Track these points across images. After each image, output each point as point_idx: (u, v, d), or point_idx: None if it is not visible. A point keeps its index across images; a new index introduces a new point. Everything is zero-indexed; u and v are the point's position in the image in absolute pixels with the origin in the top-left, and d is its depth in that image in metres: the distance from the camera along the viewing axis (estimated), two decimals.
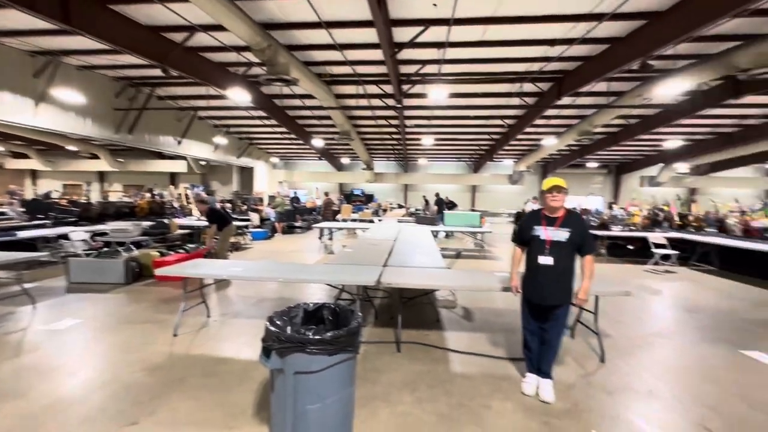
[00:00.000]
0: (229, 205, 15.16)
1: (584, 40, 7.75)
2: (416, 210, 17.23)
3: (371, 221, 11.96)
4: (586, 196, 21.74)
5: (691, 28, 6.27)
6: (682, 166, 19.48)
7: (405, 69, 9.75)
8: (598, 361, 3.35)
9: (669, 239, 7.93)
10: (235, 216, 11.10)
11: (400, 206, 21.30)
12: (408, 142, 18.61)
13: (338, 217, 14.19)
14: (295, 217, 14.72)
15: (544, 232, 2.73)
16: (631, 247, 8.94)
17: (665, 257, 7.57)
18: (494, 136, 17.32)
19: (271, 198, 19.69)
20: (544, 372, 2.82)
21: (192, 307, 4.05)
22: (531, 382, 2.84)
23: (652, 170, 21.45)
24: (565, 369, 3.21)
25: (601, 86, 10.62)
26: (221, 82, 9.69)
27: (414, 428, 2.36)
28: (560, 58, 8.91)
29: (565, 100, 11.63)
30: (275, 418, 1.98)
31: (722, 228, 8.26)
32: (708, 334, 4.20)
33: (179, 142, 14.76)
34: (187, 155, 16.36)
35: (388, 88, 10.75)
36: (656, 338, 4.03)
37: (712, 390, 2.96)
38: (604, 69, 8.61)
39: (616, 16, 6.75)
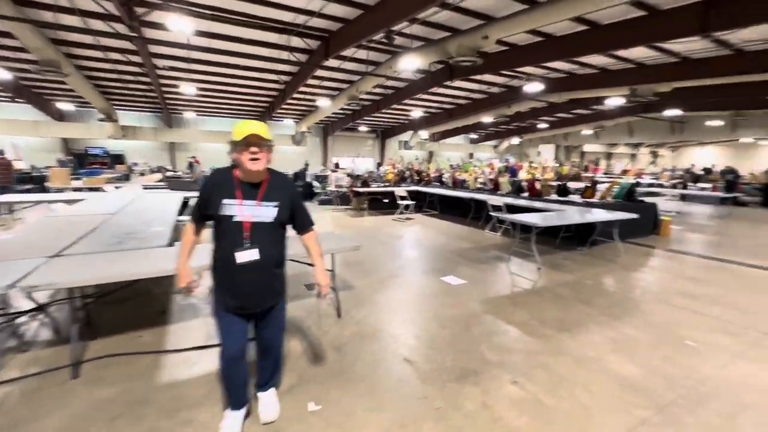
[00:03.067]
0: None
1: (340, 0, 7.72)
2: (180, 173, 14.47)
3: (100, 190, 8.99)
4: (354, 157, 23.96)
5: (412, 11, 7.12)
6: (424, 133, 24.27)
7: None
8: (336, 318, 3.39)
9: (409, 192, 9.49)
10: None
11: (160, 169, 17.41)
12: (164, 89, 15.03)
13: (47, 185, 10.07)
14: None
15: (240, 210, 1.78)
16: (386, 201, 10.29)
17: (406, 207, 9.06)
18: (272, 92, 16.27)
19: None
20: (268, 385, 2.17)
21: None
22: (233, 423, 1.97)
23: (406, 136, 25.78)
24: (302, 336, 3.05)
25: (362, 54, 11.27)
26: None
27: None
28: (322, 15, 8.68)
29: (334, 63, 11.82)
30: None
31: (441, 181, 10.68)
32: (425, 267, 5.11)
33: None
34: None
35: (111, 6, 7.85)
36: (391, 279, 4.54)
37: (418, 317, 3.46)
38: (360, 34, 9.00)
39: None
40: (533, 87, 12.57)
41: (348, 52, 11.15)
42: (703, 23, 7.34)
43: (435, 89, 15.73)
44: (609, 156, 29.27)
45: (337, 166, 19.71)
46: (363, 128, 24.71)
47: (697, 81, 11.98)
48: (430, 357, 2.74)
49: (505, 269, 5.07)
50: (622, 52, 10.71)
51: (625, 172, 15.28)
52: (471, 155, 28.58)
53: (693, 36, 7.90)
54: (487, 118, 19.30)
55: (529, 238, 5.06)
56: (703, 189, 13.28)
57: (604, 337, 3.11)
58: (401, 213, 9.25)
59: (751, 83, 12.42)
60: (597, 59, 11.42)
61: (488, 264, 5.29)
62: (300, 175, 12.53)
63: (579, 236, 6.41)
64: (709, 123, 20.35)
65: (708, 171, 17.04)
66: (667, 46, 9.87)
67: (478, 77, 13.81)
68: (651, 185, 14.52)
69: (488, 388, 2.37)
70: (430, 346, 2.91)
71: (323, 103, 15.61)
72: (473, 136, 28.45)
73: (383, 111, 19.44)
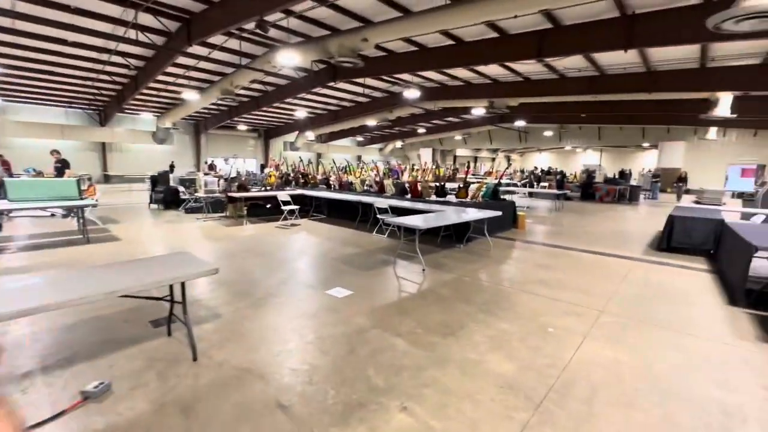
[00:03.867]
0: None
1: None
2: None
3: None
4: (230, 158, 21.76)
5: (282, 2, 6.59)
6: (311, 135, 23.55)
7: None
8: (191, 362, 2.66)
9: (294, 196, 8.82)
10: None
11: None
12: None
13: None
14: None
15: None
16: (268, 206, 9.38)
17: (291, 212, 8.38)
18: (119, 79, 13.40)
19: None
20: None
21: None
22: None
23: (291, 136, 24.60)
24: (134, 399, 2.27)
25: (234, 44, 10.09)
26: None
27: None
28: None
29: (200, 50, 10.32)
30: None
31: (328, 184, 10.34)
32: (309, 279, 4.65)
33: None
34: None
35: None
36: (268, 300, 3.93)
37: (296, 345, 2.99)
38: (227, 20, 7.95)
39: None
40: (411, 94, 13.23)
41: (217, 40, 9.86)
42: (539, 50, 8.69)
43: (319, 89, 15.27)
44: (476, 159, 33.39)
45: (211, 167, 17.47)
46: (242, 127, 22.62)
47: (536, 98, 14.37)
48: (309, 396, 2.30)
49: (391, 273, 4.96)
50: (482, 68, 12.08)
51: (489, 173, 17.46)
52: (359, 157, 29.02)
53: (531, 59, 9.33)
54: (371, 122, 19.75)
55: (414, 240, 5.09)
56: (543, 187, 16.07)
57: (483, 336, 3.17)
58: (285, 219, 8.53)
59: (570, 102, 15.59)
60: (463, 73, 12.67)
61: (375, 269, 5.13)
62: (159, 178, 10.51)
63: (457, 234, 6.83)
64: (545, 133, 24.98)
65: (548, 172, 20.80)
66: (514, 66, 11.51)
67: (360, 81, 13.91)
68: (508, 185, 16.89)
69: (376, 424, 2.07)
70: (310, 380, 2.47)
71: (191, 96, 13.57)
72: (360, 138, 28.93)
73: (264, 109, 18.08)
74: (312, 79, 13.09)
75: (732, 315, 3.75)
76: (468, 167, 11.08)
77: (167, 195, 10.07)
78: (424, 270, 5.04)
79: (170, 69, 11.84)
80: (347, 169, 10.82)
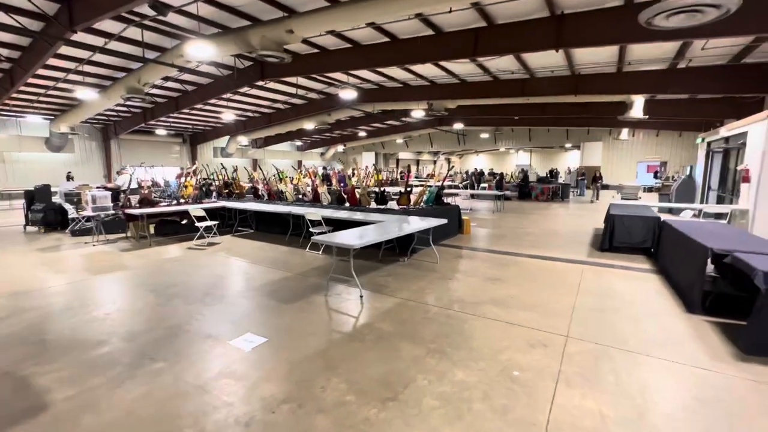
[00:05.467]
0: None
1: None
2: None
3: None
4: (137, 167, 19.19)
5: None
6: (244, 139, 21.57)
7: None
8: None
9: (212, 209, 7.45)
10: None
11: None
12: None
13: None
14: None
15: None
16: (184, 222, 7.87)
17: (208, 229, 7.02)
18: None
19: None
20: None
21: None
22: None
23: (222, 141, 22.38)
24: None
25: (134, 32, 8.40)
26: None
27: None
28: None
29: (93, 40, 8.49)
30: None
31: (257, 193, 9.04)
32: (213, 323, 3.51)
33: None
34: None
35: None
36: (141, 367, 2.75)
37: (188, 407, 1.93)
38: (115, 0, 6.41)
39: None
40: (347, 95, 12.36)
41: (113, 27, 8.19)
42: (474, 49, 8.32)
43: (248, 90, 13.80)
44: (417, 163, 33.50)
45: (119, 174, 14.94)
46: (162, 131, 19.99)
47: (472, 100, 14.33)
48: None
49: (322, 304, 4.01)
50: (419, 69, 11.61)
51: (431, 176, 17.17)
52: (299, 162, 27.44)
53: (467, 58, 8.97)
54: (309, 125, 18.52)
55: (351, 259, 4.19)
56: (483, 188, 16.15)
57: (435, 398, 2.36)
58: (202, 238, 7.13)
59: (504, 105, 15.86)
60: (400, 74, 12.10)
61: (303, 300, 4.13)
62: (37, 194, 8.33)
63: (400, 245, 6.07)
64: (482, 135, 25.63)
65: (491, 173, 21.17)
66: (450, 66, 11.19)
67: (292, 80, 12.72)
68: (450, 187, 16.75)
69: None
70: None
71: (87, 94, 11.30)
72: (299, 143, 27.39)
73: (186, 111, 16.04)
74: (237, 77, 11.65)
75: (695, 326, 3.39)
76: (408, 171, 10.48)
77: (49, 214, 8.01)
78: (362, 296, 4.16)
79: (56, 62, 9.73)
80: (278, 176, 9.61)
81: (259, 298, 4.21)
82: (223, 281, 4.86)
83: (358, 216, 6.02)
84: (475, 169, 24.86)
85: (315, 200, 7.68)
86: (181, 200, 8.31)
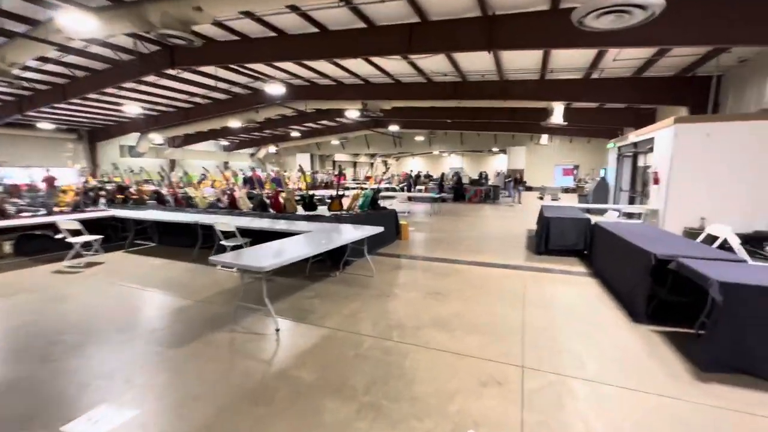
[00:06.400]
0: None
1: None
2: None
3: None
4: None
5: None
6: (158, 137, 18.85)
7: None
8: None
9: (96, 219, 5.89)
10: None
11: None
12: None
13: None
14: None
15: None
16: (58, 237, 6.12)
17: (86, 245, 5.48)
18: None
19: None
20: None
21: None
22: None
23: (130, 139, 19.35)
24: None
25: None
26: None
27: None
28: None
29: None
30: None
31: (160, 199, 7.48)
32: (45, 394, 2.33)
33: None
34: None
35: None
36: None
37: None
38: None
39: None
40: (275, 90, 11.19)
41: None
42: (408, 45, 7.86)
43: (158, 80, 11.86)
44: (355, 165, 32.82)
45: None
46: (48, 125, 16.54)
47: (407, 101, 14.05)
48: None
49: (224, 346, 3.04)
50: (352, 67, 10.89)
51: (367, 178, 16.54)
52: (226, 164, 24.99)
53: (399, 54, 8.49)
54: (235, 123, 16.73)
55: (264, 284, 3.28)
56: (420, 191, 16.01)
57: None
58: (80, 257, 5.55)
59: (438, 108, 15.90)
60: (333, 71, 11.26)
61: (199, 340, 3.12)
62: None
63: (332, 257, 5.27)
64: (417, 138, 25.81)
65: (427, 176, 21.18)
66: (384, 65, 10.68)
67: (210, 71, 11.14)
68: (387, 189, 16.33)
69: None
70: None
71: None
72: (225, 142, 24.97)
73: (78, 102, 13.39)
74: (141, 63, 9.84)
75: (646, 339, 3.13)
76: (340, 173, 9.75)
77: None
78: (278, 330, 3.29)
79: None
80: (185, 178, 8.14)
81: (136, 342, 3.10)
82: (88, 319, 3.58)
83: (280, 225, 5.07)
84: (411, 170, 24.91)
85: (233, 206, 6.50)
86: (55, 209, 6.51)
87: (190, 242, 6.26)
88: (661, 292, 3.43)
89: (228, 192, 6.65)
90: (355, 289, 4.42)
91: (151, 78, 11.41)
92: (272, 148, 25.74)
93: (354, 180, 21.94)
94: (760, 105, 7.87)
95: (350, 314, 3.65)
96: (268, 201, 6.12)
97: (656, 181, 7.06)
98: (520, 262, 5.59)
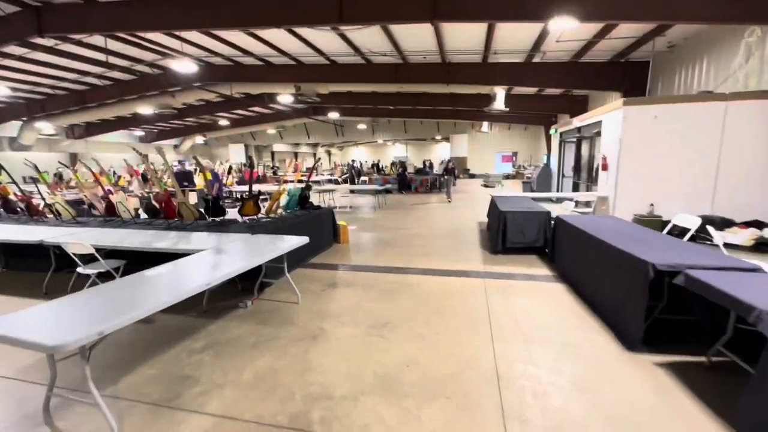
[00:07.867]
0: None
1: None
2: None
3: None
4: None
5: None
6: (48, 126, 15.29)
7: None
8: None
9: None
10: None
11: None
12: None
13: None
14: None
15: None
16: None
17: None
18: None
19: None
20: None
21: None
22: None
23: (8, 129, 15.49)
24: None
25: None
26: None
27: None
28: None
29: None
30: None
31: (6, 207, 5.36)
32: None
33: None
34: None
35: None
36: None
37: None
38: None
39: None
40: (184, 68, 9.15)
41: None
42: (339, 13, 6.53)
43: (31, 53, 9.22)
44: (296, 155, 30.54)
45: None
46: None
47: (346, 85, 12.66)
48: None
49: None
50: (278, 42, 9.23)
51: (295, 169, 14.84)
52: (146, 156, 21.45)
53: (330, 24, 7.13)
54: (146, 109, 14.02)
55: (87, 364, 1.90)
56: (364, 182, 14.84)
57: None
58: None
59: (379, 93, 14.71)
60: (255, 46, 9.47)
61: None
62: None
63: (243, 279, 3.91)
64: (359, 126, 24.43)
65: (376, 166, 19.89)
66: (315, 42, 9.20)
67: (97, 42, 8.73)
68: (329, 182, 14.92)
69: None
70: None
71: None
72: (140, 133, 21.43)
73: None
74: None
75: (652, 378, 2.33)
76: (251, 166, 8.16)
77: None
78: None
79: None
80: (39, 178, 6.05)
81: None
82: None
83: (162, 244, 3.58)
84: (352, 160, 23.53)
85: (111, 213, 4.77)
86: None
87: (49, 266, 4.45)
88: (656, 309, 2.68)
89: (104, 195, 4.86)
90: (269, 328, 3.15)
91: (15, 49, 8.73)
92: (200, 139, 22.72)
93: (295, 172, 20.06)
94: (689, 90, 7.86)
95: (253, 380, 2.40)
96: (157, 205, 4.50)
97: (605, 167, 6.65)
98: (478, 267, 4.72)
